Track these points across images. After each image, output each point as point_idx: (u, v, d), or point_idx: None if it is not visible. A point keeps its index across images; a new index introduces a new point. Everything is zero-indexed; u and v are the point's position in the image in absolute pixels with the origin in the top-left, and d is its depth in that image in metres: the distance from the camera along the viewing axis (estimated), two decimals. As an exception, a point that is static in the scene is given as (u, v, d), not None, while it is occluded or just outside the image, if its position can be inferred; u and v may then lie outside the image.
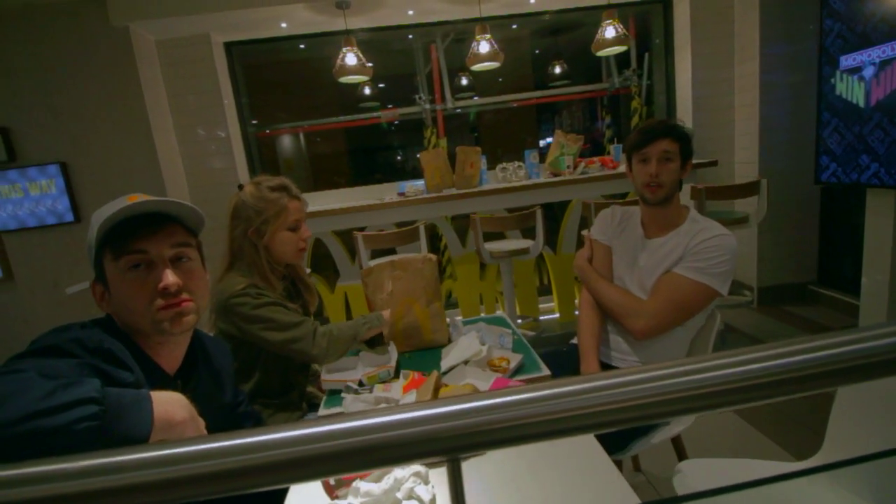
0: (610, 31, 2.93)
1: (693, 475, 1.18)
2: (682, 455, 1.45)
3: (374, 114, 3.73)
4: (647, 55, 3.61)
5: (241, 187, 1.33)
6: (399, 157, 5.48)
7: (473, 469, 0.89)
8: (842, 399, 1.11)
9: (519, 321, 3.12)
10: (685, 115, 3.41)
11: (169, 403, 0.67)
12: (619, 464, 1.32)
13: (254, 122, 3.62)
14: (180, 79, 3.04)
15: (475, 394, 0.41)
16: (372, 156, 5.58)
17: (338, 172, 5.35)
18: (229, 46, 3.22)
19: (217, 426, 1.00)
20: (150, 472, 0.36)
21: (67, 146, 2.80)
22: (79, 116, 2.78)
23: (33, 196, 2.82)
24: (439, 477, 0.87)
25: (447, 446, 0.39)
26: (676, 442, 1.46)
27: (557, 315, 3.34)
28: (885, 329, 0.42)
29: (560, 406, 0.39)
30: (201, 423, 0.73)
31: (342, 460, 0.35)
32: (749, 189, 2.59)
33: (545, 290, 3.59)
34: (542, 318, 3.34)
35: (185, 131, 3.10)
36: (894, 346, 0.41)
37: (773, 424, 1.99)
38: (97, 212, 0.83)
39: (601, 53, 3.05)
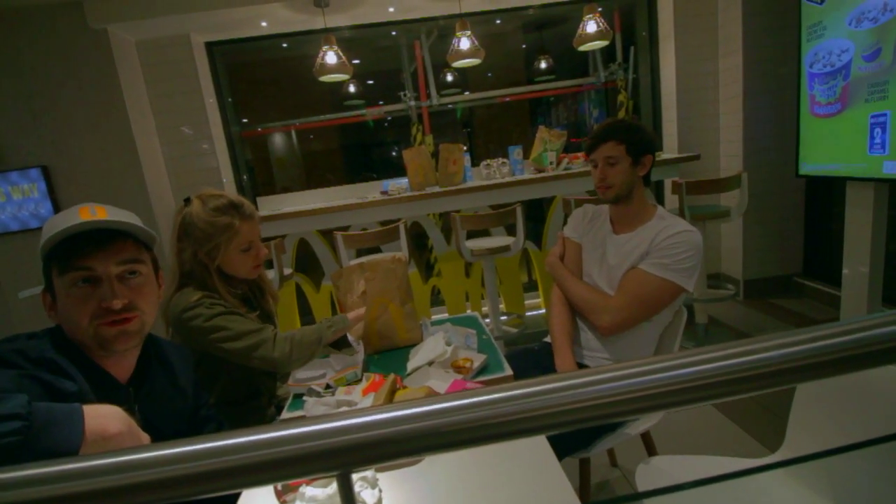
0: (591, 26, 2.92)
1: (657, 472, 1.19)
2: (651, 451, 1.46)
3: (361, 111, 3.71)
4: (632, 48, 3.59)
5: (187, 201, 1.26)
6: (394, 153, 5.46)
7: (419, 476, 0.90)
8: (801, 394, 1.12)
9: (504, 318, 3.12)
10: (670, 109, 3.41)
11: (103, 417, 0.67)
12: (586, 461, 1.33)
13: (244, 120, 3.62)
14: (161, 80, 3.02)
15: (365, 408, 0.42)
16: (366, 152, 5.56)
17: (330, 169, 5.34)
18: (210, 46, 3.20)
19: (176, 430, 1.01)
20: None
21: (49, 150, 2.80)
22: (59, 120, 2.77)
23: (16, 200, 2.82)
24: (388, 481, 0.88)
25: (334, 463, 0.39)
26: (646, 438, 1.47)
27: (544, 311, 3.35)
28: (838, 328, 0.42)
29: (444, 420, 0.39)
30: (143, 435, 0.74)
31: (216, 479, 0.36)
32: (730, 183, 2.59)
33: (533, 286, 3.60)
34: (528, 314, 3.34)
35: (167, 132, 3.09)
36: (847, 344, 0.42)
37: (748, 416, 2.00)
38: (49, 220, 0.83)
39: (583, 48, 3.04)
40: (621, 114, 3.61)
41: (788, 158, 2.82)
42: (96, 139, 2.81)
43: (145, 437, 0.74)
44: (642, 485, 1.15)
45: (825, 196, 3.10)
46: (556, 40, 4.14)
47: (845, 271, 2.40)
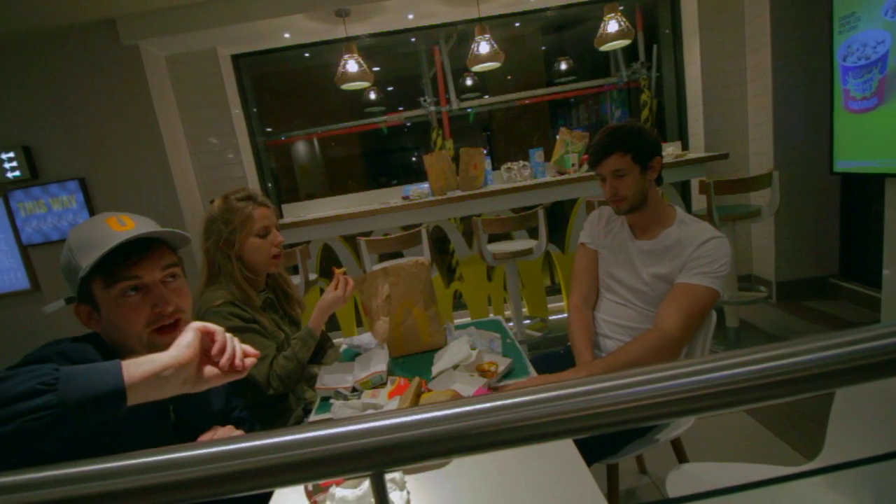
0: (612, 26, 2.89)
1: (688, 479, 1.16)
2: (681, 458, 1.43)
3: (381, 118, 3.76)
4: (655, 47, 3.54)
5: (213, 202, 1.36)
6: (413, 159, 5.51)
7: (446, 479, 0.90)
8: (840, 400, 1.08)
9: (527, 322, 3.10)
10: (695, 107, 3.34)
11: (149, 360, 0.68)
12: (614, 467, 1.31)
13: (268, 129, 3.71)
14: (190, 93, 3.13)
15: (397, 410, 0.42)
16: (386, 158, 5.61)
17: (352, 176, 5.41)
18: (236, 59, 3.30)
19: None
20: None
21: (85, 162, 2.92)
22: (95, 133, 2.89)
23: (56, 211, 2.95)
24: (416, 483, 0.88)
25: (368, 463, 0.40)
26: (676, 444, 1.43)
27: (567, 314, 3.31)
28: (882, 330, 0.41)
29: (478, 422, 0.39)
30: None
31: (255, 478, 0.37)
32: (760, 181, 2.51)
33: (556, 290, 3.56)
34: (551, 317, 3.31)
35: (196, 143, 3.19)
36: (890, 347, 0.40)
37: (784, 423, 1.93)
38: (78, 234, 0.85)
39: (605, 48, 3.01)
40: (644, 113, 3.56)
41: (822, 155, 2.73)
42: (130, 151, 2.92)
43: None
44: (673, 491, 1.13)
45: (862, 194, 2.97)
46: (576, 41, 4.12)
47: (885, 272, 2.29)
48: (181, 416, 0.96)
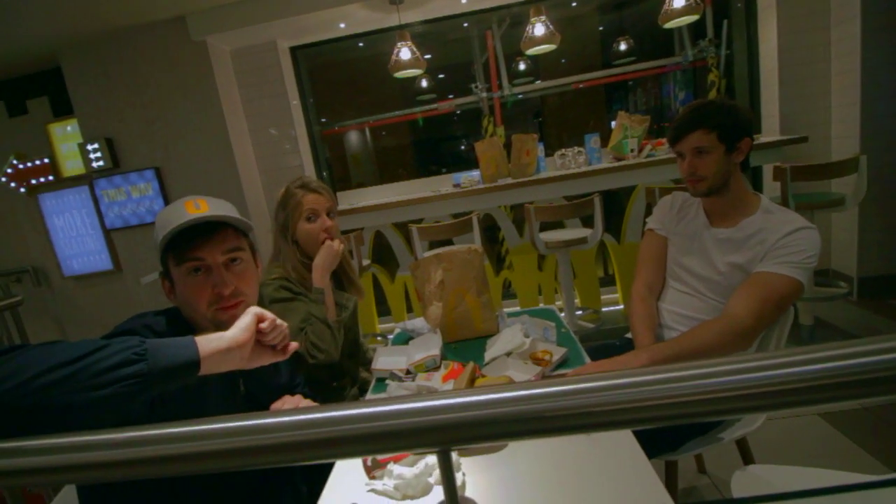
0: (679, 1, 2.72)
1: (755, 482, 1.10)
2: (747, 459, 1.35)
3: (433, 105, 3.76)
4: (725, 22, 3.30)
5: None
6: (462, 147, 5.48)
7: (501, 463, 0.90)
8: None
9: (579, 312, 3.03)
10: (770, 87, 3.09)
11: (217, 338, 0.77)
12: (673, 464, 1.26)
13: (323, 120, 3.81)
14: (252, 85, 3.27)
15: (467, 389, 0.42)
16: (437, 146, 5.62)
17: (402, 165, 5.47)
18: (294, 51, 3.40)
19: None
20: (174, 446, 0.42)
21: (160, 152, 3.14)
22: (168, 125, 3.09)
23: (135, 198, 3.20)
24: (471, 466, 0.89)
25: (437, 439, 0.40)
26: (742, 444, 1.35)
27: (621, 307, 3.20)
28: None
29: (549, 405, 0.39)
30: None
31: (330, 447, 0.38)
32: (844, 167, 2.30)
33: (610, 281, 3.45)
34: (605, 309, 3.21)
35: (258, 134, 3.34)
36: None
37: (865, 430, 1.77)
38: (161, 213, 0.93)
39: (669, 25, 2.84)
40: (712, 94, 3.33)
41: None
42: (199, 141, 3.11)
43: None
44: (738, 493, 1.07)
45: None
46: (636, 19, 3.91)
47: None
48: (250, 389, 1.02)
